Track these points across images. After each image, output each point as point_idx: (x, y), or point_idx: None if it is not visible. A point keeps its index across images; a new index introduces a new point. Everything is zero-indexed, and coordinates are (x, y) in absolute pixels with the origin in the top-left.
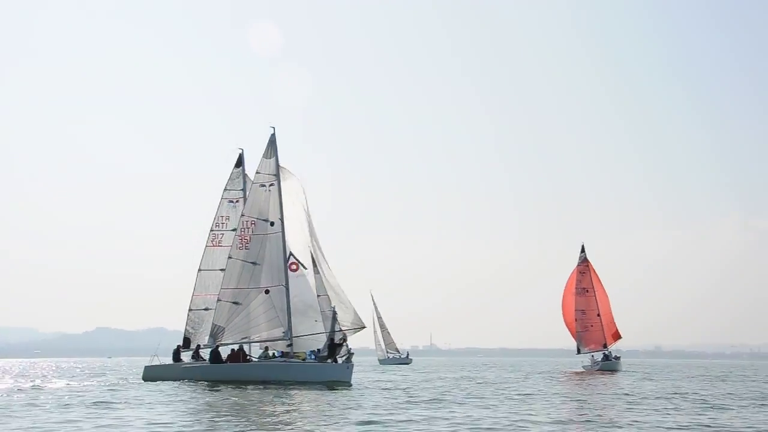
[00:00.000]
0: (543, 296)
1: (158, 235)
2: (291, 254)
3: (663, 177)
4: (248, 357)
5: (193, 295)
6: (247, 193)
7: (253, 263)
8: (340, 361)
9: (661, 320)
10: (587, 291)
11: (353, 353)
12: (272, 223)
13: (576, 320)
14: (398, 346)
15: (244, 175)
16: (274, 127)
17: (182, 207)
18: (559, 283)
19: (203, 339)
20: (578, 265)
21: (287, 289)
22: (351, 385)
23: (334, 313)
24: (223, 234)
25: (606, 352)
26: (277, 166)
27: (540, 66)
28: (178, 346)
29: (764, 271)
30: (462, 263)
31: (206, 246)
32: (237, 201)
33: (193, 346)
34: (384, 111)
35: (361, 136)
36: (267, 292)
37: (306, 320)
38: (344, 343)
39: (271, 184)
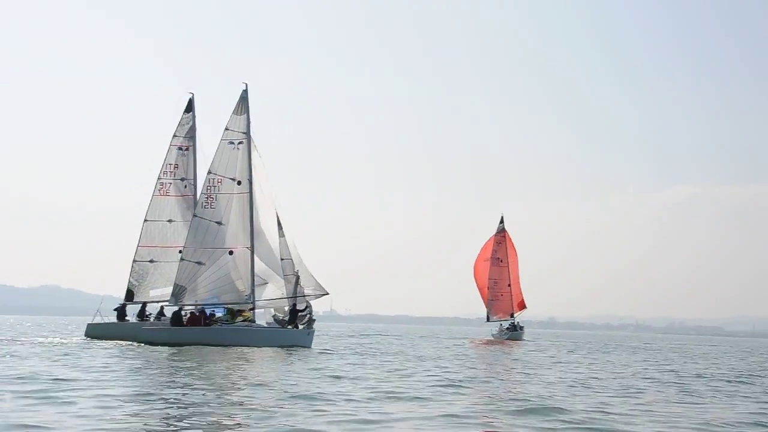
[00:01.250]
0: (457, 265)
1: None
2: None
3: (583, 149)
4: (210, 320)
5: (138, 245)
6: (198, 140)
7: (219, 223)
8: (300, 326)
9: (559, 292)
10: (501, 261)
11: (315, 319)
12: (239, 182)
13: (488, 288)
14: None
15: (194, 121)
16: (246, 83)
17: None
18: (473, 252)
19: (147, 293)
20: (495, 235)
21: (252, 251)
22: (311, 349)
23: (297, 277)
24: (171, 183)
25: (513, 322)
26: (248, 123)
27: (464, 43)
28: (123, 303)
29: (660, 248)
30: (378, 231)
31: (153, 195)
32: (186, 148)
33: (137, 299)
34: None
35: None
36: (231, 253)
37: (270, 284)
38: (308, 309)
39: (240, 142)
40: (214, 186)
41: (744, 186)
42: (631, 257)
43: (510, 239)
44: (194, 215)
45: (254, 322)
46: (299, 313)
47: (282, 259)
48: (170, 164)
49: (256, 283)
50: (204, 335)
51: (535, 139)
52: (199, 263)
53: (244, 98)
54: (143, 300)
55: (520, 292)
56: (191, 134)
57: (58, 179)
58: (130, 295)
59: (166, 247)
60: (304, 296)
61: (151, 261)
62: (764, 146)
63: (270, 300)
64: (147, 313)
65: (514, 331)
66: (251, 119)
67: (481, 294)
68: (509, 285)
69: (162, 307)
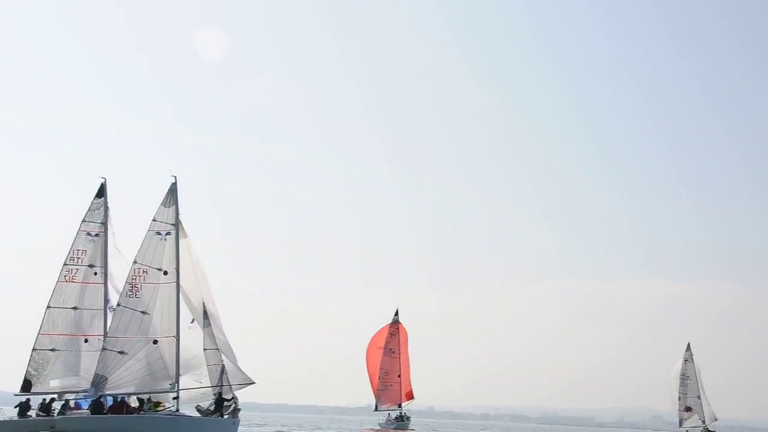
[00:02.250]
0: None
1: None
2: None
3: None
4: (136, 408)
5: (39, 333)
6: (109, 226)
7: (143, 312)
8: (225, 416)
9: (438, 382)
10: (393, 352)
11: (240, 409)
12: (165, 273)
13: (379, 378)
14: None
15: (106, 207)
16: (175, 176)
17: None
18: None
19: (47, 383)
20: (390, 325)
21: (178, 340)
22: None
23: (223, 367)
24: (77, 269)
25: (401, 412)
26: (177, 215)
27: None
28: (28, 399)
29: (539, 341)
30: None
31: (58, 281)
32: (96, 234)
33: (35, 389)
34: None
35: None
36: (155, 342)
37: (194, 374)
38: (233, 399)
39: (167, 233)
40: (139, 276)
41: (629, 282)
42: (509, 349)
43: (404, 331)
44: (118, 304)
45: (178, 411)
46: (225, 403)
47: (206, 350)
48: (77, 250)
49: (180, 373)
50: (130, 424)
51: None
52: (121, 353)
53: (173, 190)
54: (43, 391)
55: (409, 383)
56: (103, 220)
57: None
58: (27, 386)
59: (70, 336)
60: (230, 386)
61: (53, 350)
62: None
63: (192, 390)
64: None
65: (401, 421)
66: (180, 210)
67: (371, 382)
68: (399, 376)
69: (67, 401)
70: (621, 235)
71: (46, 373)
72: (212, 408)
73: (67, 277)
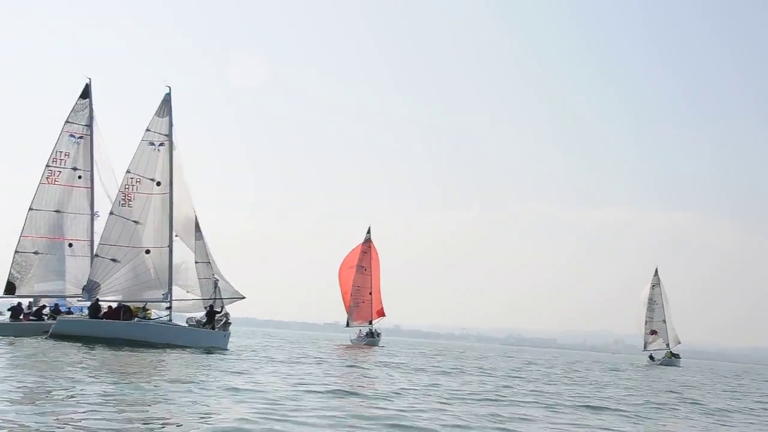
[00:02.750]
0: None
1: None
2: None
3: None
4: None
5: (21, 235)
6: (94, 128)
7: (136, 222)
8: (216, 328)
9: (407, 302)
10: (365, 269)
11: (230, 322)
12: (158, 183)
13: (351, 295)
14: None
15: (91, 108)
16: (169, 87)
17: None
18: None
19: (30, 286)
20: (362, 244)
21: (171, 251)
22: (227, 351)
23: (216, 281)
24: (60, 171)
25: (371, 329)
26: (170, 126)
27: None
28: (19, 302)
29: (508, 263)
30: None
31: (40, 183)
32: (81, 136)
33: (20, 291)
34: None
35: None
36: (148, 252)
37: (182, 285)
38: (224, 312)
39: (161, 144)
40: (132, 185)
41: (595, 209)
42: (476, 271)
43: (375, 249)
44: (110, 213)
45: (171, 321)
46: (216, 316)
47: (197, 262)
48: (60, 152)
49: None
50: (125, 330)
51: (406, 149)
52: (114, 260)
53: (167, 100)
54: (28, 294)
55: (380, 301)
56: (88, 122)
57: None
58: (11, 288)
59: (53, 239)
60: (222, 299)
61: (36, 252)
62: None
63: (184, 300)
64: (31, 309)
65: (372, 338)
66: (173, 121)
67: (344, 299)
68: (370, 293)
69: (57, 305)
70: (595, 164)
71: (30, 276)
72: (203, 320)
73: (49, 179)
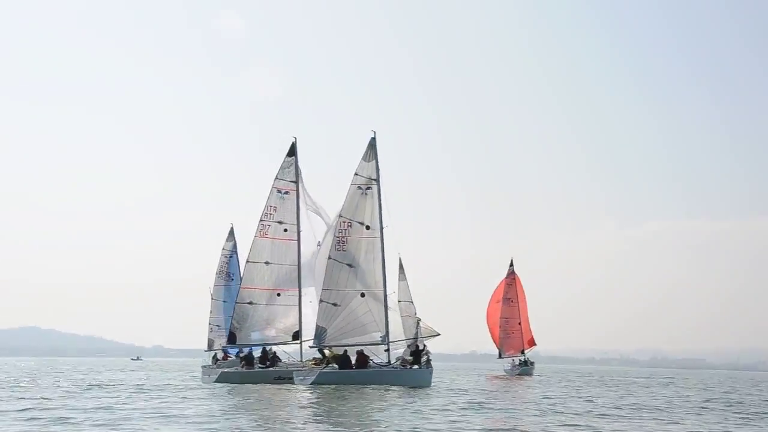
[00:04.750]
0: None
1: None
2: None
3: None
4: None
5: (240, 287)
6: (300, 184)
7: (349, 265)
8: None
9: (540, 325)
10: (512, 301)
11: (431, 359)
12: (368, 227)
13: (500, 327)
14: None
15: (296, 165)
16: (374, 131)
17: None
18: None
19: (248, 335)
20: (506, 278)
21: (385, 293)
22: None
23: (419, 319)
24: (270, 225)
25: (523, 358)
26: (377, 170)
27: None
28: (251, 350)
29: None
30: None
31: (255, 236)
32: (287, 192)
33: (239, 342)
34: None
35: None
36: (363, 295)
37: (398, 326)
38: (426, 349)
39: (368, 188)
40: (345, 230)
41: (720, 221)
42: (614, 293)
43: (519, 281)
44: (328, 257)
45: (389, 363)
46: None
47: (400, 301)
48: (270, 206)
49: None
50: (373, 377)
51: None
52: (335, 305)
53: (372, 145)
54: (245, 343)
55: (530, 330)
56: (294, 179)
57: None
58: (233, 338)
59: (263, 290)
60: (422, 337)
61: (250, 303)
62: (730, 184)
63: (398, 342)
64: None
65: (525, 367)
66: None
67: (491, 332)
68: (519, 323)
69: (275, 353)
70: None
71: (246, 325)
72: (408, 357)
73: (261, 233)
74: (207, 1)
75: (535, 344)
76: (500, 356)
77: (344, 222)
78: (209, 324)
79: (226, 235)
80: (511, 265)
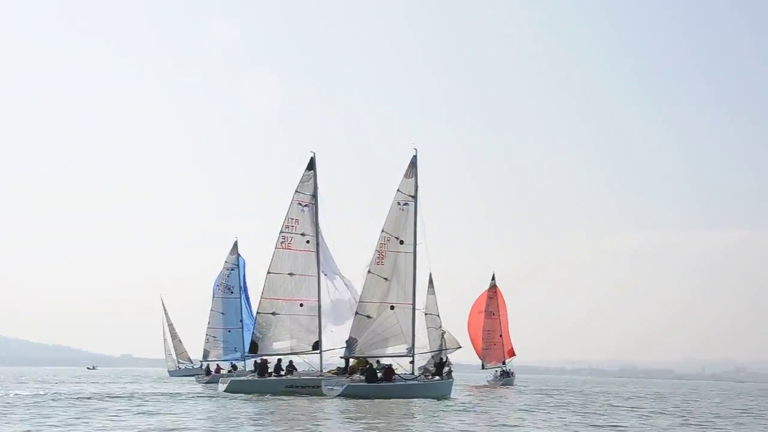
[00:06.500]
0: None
1: None
2: None
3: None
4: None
5: (261, 297)
6: (319, 198)
7: (385, 279)
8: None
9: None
10: (493, 314)
11: (452, 370)
12: (402, 242)
13: (482, 339)
14: (191, 356)
15: (315, 179)
16: (416, 149)
17: None
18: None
19: (270, 345)
20: (488, 290)
21: (414, 308)
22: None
23: (443, 332)
24: (292, 237)
25: (505, 369)
26: (416, 187)
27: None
28: (264, 360)
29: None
30: None
31: (275, 248)
32: (306, 205)
33: (261, 351)
34: None
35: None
36: (392, 308)
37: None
38: (447, 361)
39: (406, 204)
40: (384, 244)
41: (703, 233)
42: (588, 303)
43: (501, 294)
44: (368, 271)
45: (413, 374)
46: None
47: (426, 314)
48: (291, 218)
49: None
50: (400, 390)
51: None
52: (368, 317)
53: (413, 163)
54: (268, 353)
55: (510, 341)
56: (313, 192)
57: None
58: (254, 348)
59: (287, 300)
60: (446, 349)
61: (273, 313)
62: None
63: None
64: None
65: (507, 377)
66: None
67: (474, 343)
68: (500, 335)
69: (291, 362)
70: (681, 186)
71: (269, 335)
72: (430, 368)
73: (283, 244)
74: (204, 8)
75: (514, 354)
76: (483, 367)
77: (385, 237)
78: (206, 335)
79: (230, 248)
80: (493, 278)
